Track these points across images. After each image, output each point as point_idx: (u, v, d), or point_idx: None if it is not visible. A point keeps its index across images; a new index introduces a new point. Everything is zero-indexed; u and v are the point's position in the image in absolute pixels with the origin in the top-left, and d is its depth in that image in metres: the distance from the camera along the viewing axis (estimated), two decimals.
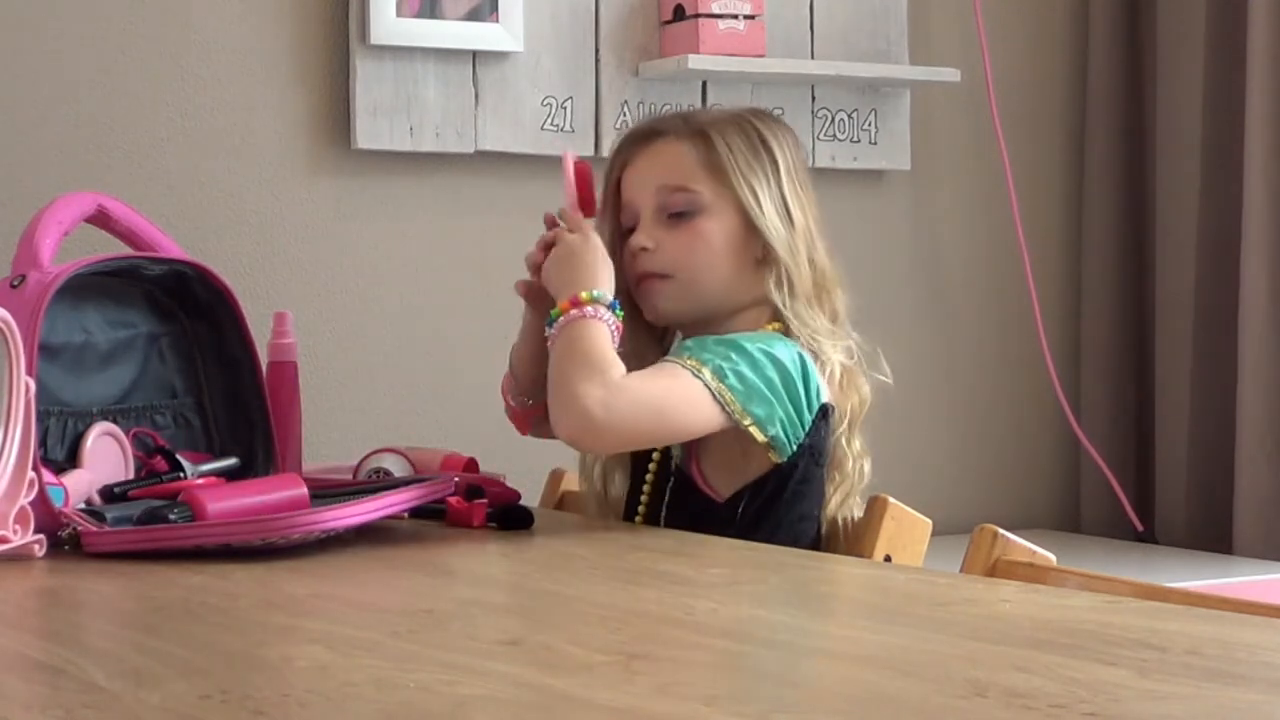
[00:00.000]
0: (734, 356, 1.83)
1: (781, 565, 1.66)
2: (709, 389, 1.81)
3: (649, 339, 1.99)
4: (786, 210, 1.95)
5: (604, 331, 1.83)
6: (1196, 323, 3.13)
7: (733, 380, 1.82)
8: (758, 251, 1.94)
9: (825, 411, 1.88)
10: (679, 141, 1.97)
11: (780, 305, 1.92)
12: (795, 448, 1.86)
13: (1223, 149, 3.09)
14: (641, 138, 2.01)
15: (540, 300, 1.92)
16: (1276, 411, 3.00)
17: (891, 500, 1.86)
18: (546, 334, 1.85)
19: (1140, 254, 3.29)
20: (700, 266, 1.93)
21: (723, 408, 1.82)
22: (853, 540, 1.90)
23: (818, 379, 1.88)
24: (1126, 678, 1.10)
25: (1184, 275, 3.16)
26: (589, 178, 1.98)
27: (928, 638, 1.27)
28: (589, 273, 1.87)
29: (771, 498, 1.87)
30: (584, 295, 1.84)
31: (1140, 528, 3.18)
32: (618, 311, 1.86)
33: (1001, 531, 1.67)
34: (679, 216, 1.94)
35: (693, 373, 1.82)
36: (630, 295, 1.96)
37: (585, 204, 1.97)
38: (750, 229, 1.94)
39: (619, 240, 1.98)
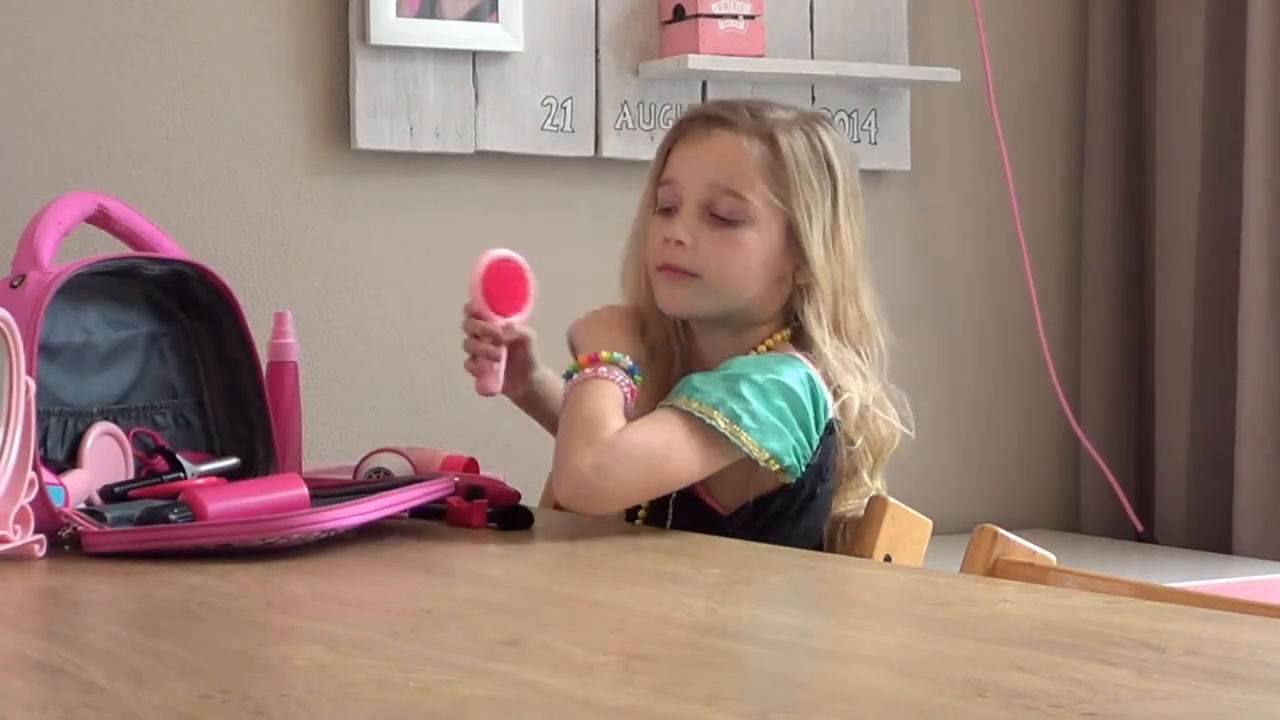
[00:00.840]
0: (743, 393, 1.80)
1: (781, 565, 1.66)
2: (723, 433, 1.78)
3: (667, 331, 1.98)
4: (834, 237, 1.89)
5: (613, 392, 1.82)
6: (1196, 323, 3.13)
7: (747, 420, 1.79)
8: (790, 268, 1.90)
9: (831, 428, 1.87)
10: (745, 139, 1.88)
11: (816, 339, 1.88)
12: (805, 468, 1.85)
13: (1223, 149, 3.09)
14: (706, 119, 1.92)
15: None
16: (1276, 411, 3.00)
17: (891, 500, 1.86)
18: (564, 388, 1.85)
19: (1140, 255, 3.29)
20: (731, 276, 1.88)
21: (739, 448, 1.79)
22: (853, 540, 1.90)
23: (825, 396, 1.86)
24: (1126, 678, 1.10)
25: (1184, 276, 3.16)
26: (512, 276, 1.95)
27: (928, 638, 1.27)
28: (615, 337, 1.87)
29: (778, 514, 1.86)
30: (604, 355, 1.83)
31: (1140, 528, 3.18)
32: (636, 377, 1.84)
33: (1001, 531, 1.67)
34: (722, 219, 1.88)
35: (703, 418, 1.78)
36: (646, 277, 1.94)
37: (503, 304, 1.94)
38: (791, 245, 1.89)
39: (651, 209, 1.94)
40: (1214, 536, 3.10)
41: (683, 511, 1.91)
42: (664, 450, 1.78)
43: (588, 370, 1.83)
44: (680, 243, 1.88)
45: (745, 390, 1.80)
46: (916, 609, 1.42)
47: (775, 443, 1.80)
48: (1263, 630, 1.27)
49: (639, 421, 1.81)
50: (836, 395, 1.87)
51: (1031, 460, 3.33)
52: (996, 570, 1.65)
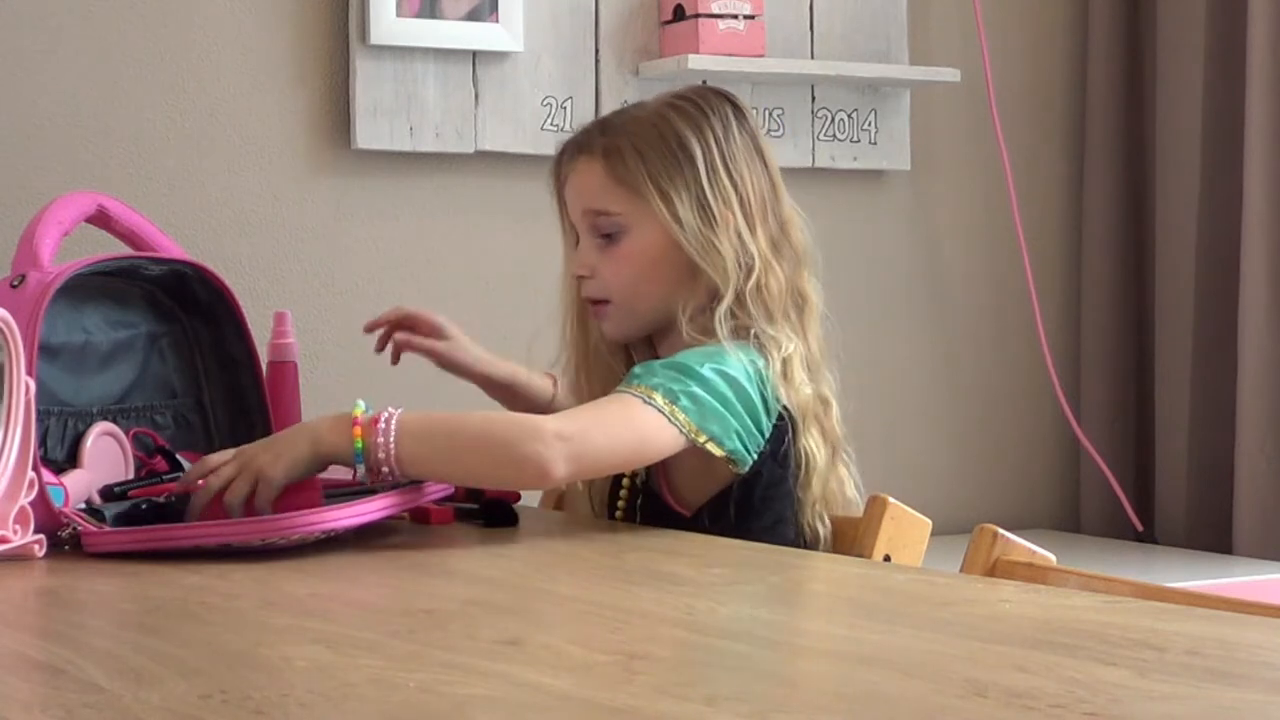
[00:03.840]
0: (683, 378, 1.80)
1: (782, 565, 1.66)
2: (662, 413, 1.77)
3: (615, 356, 1.98)
4: (708, 211, 1.89)
5: (434, 414, 1.75)
6: (1196, 323, 3.13)
7: (685, 402, 1.78)
8: (690, 258, 1.90)
9: (786, 414, 1.87)
10: (593, 159, 1.93)
11: (716, 320, 1.87)
12: (755, 456, 1.84)
13: (1223, 149, 3.09)
14: (570, 152, 1.97)
15: None
16: (1276, 412, 3.00)
17: (891, 500, 1.86)
18: (358, 472, 1.72)
19: (1140, 254, 3.29)
20: (634, 289, 1.92)
21: (679, 430, 1.78)
22: (853, 540, 1.90)
23: (774, 381, 1.85)
24: (1126, 678, 1.10)
25: (1184, 275, 3.16)
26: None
27: (928, 638, 1.27)
28: (299, 431, 1.77)
29: (740, 507, 1.85)
30: (356, 412, 1.73)
31: (1140, 528, 3.18)
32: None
33: (1001, 531, 1.67)
34: (608, 238, 1.92)
35: (644, 399, 1.78)
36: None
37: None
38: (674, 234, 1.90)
39: (571, 245, 1.98)
40: (1214, 536, 3.10)
41: (649, 518, 1.91)
42: (615, 419, 1.77)
43: (379, 426, 1.71)
44: (581, 276, 1.94)
45: (685, 376, 1.80)
46: (916, 609, 1.42)
47: (714, 425, 1.80)
48: (1263, 630, 1.27)
49: (592, 405, 1.81)
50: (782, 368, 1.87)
51: (1031, 460, 3.33)
52: (996, 570, 1.65)
